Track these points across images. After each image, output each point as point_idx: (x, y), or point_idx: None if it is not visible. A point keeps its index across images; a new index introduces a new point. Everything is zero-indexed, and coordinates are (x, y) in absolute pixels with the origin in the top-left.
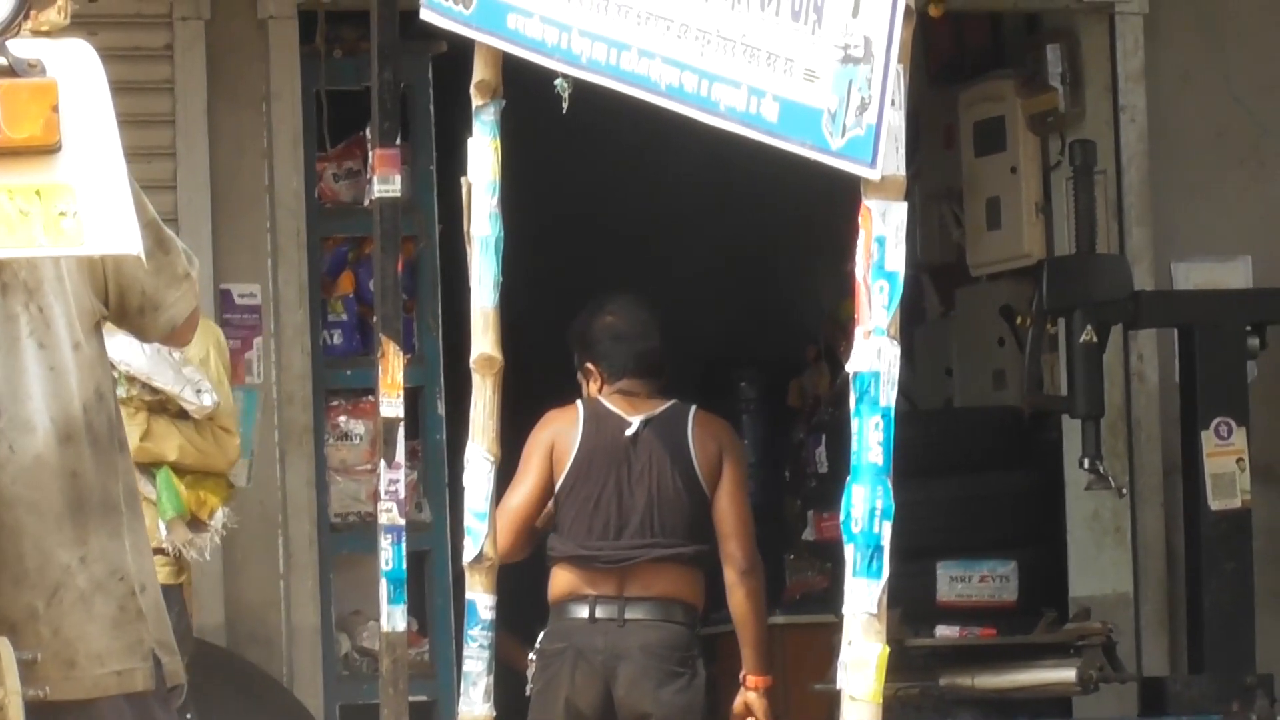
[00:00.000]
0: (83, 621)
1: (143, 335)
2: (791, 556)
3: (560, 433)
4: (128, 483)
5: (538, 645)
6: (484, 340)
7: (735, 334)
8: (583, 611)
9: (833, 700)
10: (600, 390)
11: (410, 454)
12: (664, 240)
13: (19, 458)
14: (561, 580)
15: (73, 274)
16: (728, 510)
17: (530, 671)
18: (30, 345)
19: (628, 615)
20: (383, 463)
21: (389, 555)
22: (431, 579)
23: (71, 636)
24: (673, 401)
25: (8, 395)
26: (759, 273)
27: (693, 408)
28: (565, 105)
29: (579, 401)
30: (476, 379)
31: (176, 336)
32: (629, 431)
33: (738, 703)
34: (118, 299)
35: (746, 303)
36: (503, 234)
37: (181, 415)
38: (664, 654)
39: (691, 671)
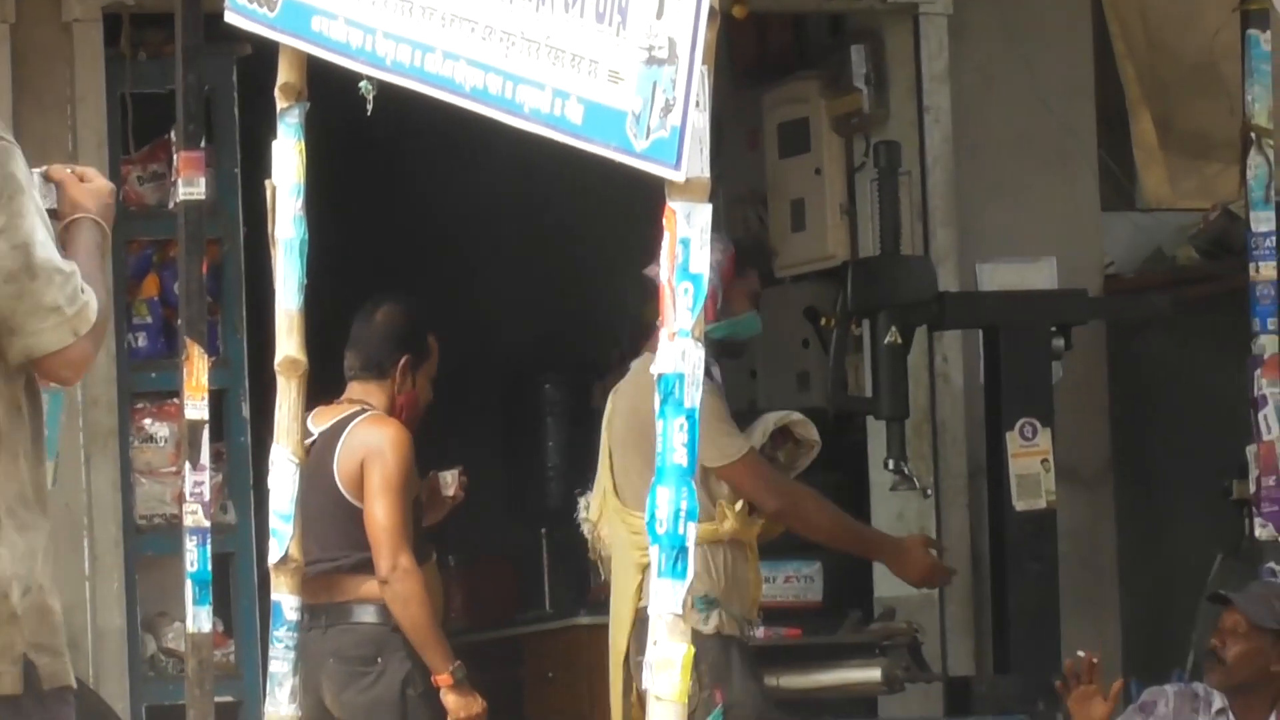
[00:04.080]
0: None
1: (2, 357)
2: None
3: None
4: (18, 488)
5: None
6: (288, 343)
7: (541, 337)
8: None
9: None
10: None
11: (215, 456)
12: (470, 244)
13: None
14: None
15: None
16: (369, 521)
17: None
18: None
19: (325, 622)
20: (188, 465)
21: (194, 557)
22: (237, 580)
23: None
24: (353, 410)
25: None
26: (564, 276)
27: (360, 417)
28: (370, 108)
29: None
30: (281, 381)
31: (42, 369)
32: (308, 443)
33: None
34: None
35: (552, 306)
36: (307, 236)
37: None
38: (349, 656)
39: (378, 669)
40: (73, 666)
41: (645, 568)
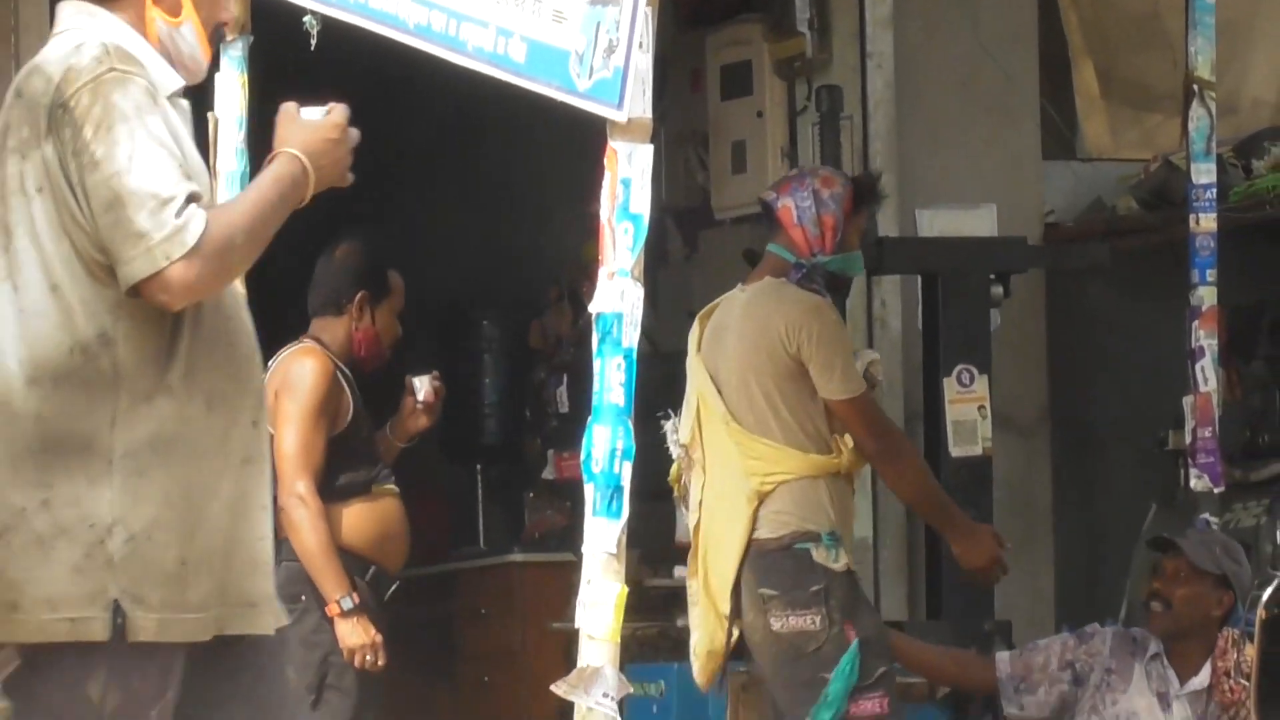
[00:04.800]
0: (35, 565)
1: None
2: (531, 495)
3: None
4: (151, 430)
5: None
6: None
7: (478, 274)
8: None
9: (571, 638)
10: None
11: None
12: (408, 180)
13: None
14: None
15: (50, 218)
16: (274, 448)
17: None
18: (5, 289)
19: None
20: None
21: None
22: None
23: (18, 579)
24: (294, 346)
25: None
26: (502, 213)
27: (287, 351)
28: (313, 42)
29: None
30: None
31: (144, 296)
32: None
33: None
34: (105, 249)
35: (489, 243)
36: (249, 169)
37: None
38: (282, 595)
39: (302, 606)
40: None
41: (765, 495)
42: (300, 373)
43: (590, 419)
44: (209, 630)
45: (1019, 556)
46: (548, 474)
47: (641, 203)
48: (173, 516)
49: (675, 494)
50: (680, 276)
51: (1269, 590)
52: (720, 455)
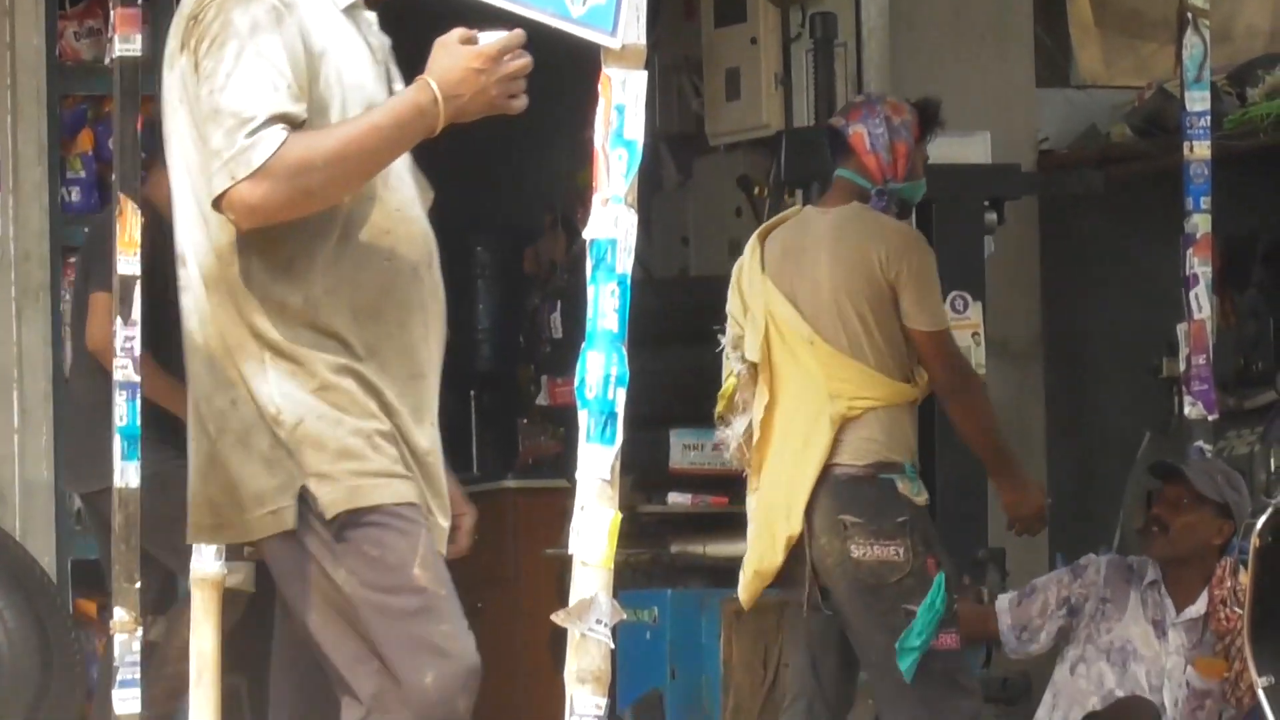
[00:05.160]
0: (242, 463)
1: None
2: (524, 421)
3: None
4: (288, 334)
5: None
6: None
7: (471, 200)
8: None
9: (564, 565)
10: None
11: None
12: None
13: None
14: None
15: (188, 129)
16: None
17: None
18: (180, 195)
19: None
20: (119, 320)
21: (123, 412)
22: None
23: (234, 479)
24: None
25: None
26: (496, 140)
27: None
28: None
29: None
30: None
31: (226, 211)
32: None
33: None
34: None
35: (483, 169)
36: None
37: None
38: None
39: None
40: (0, 519)
41: (849, 420)
42: None
43: (584, 345)
44: (410, 493)
45: None
46: (541, 400)
47: (635, 129)
48: (328, 409)
49: (719, 411)
50: (674, 203)
51: (1263, 518)
52: (797, 376)
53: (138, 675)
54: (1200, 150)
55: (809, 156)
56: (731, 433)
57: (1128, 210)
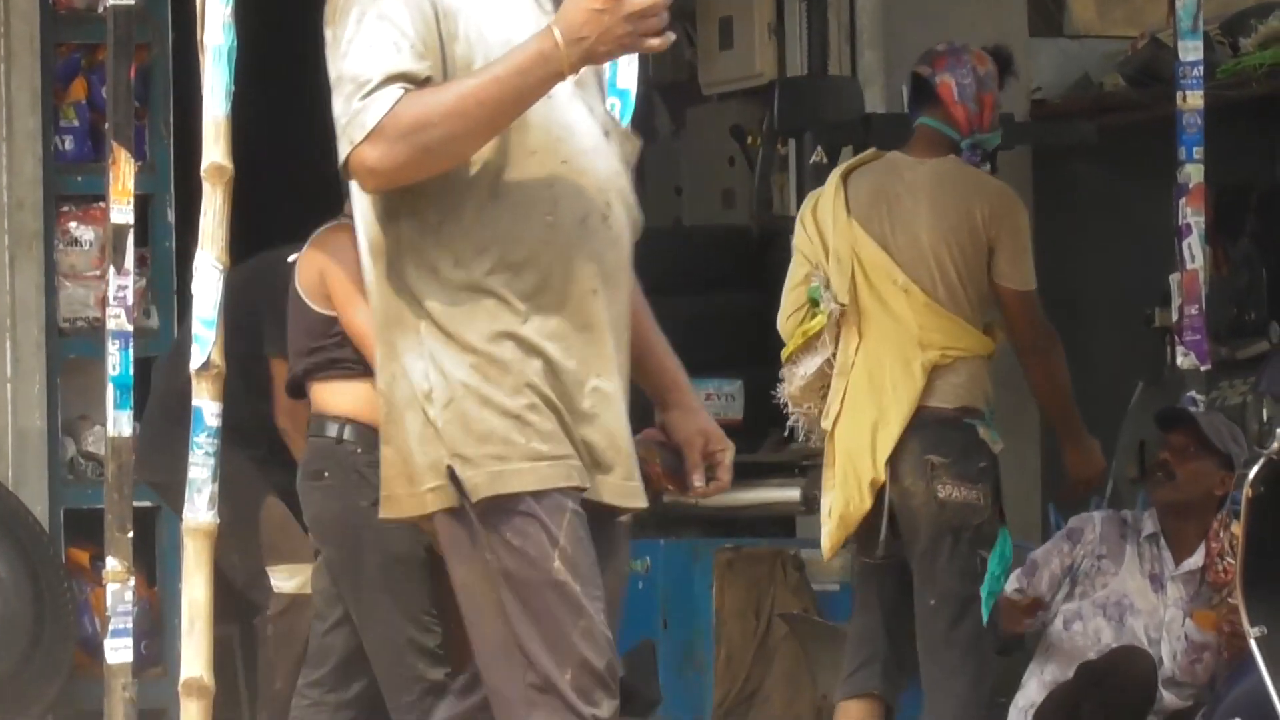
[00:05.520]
0: (408, 438)
1: None
2: None
3: None
4: (439, 301)
5: None
6: (215, 149)
7: None
8: None
9: None
10: None
11: (139, 261)
12: None
13: None
14: None
15: None
16: (350, 331)
17: None
18: None
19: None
20: (112, 269)
21: (116, 360)
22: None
23: (403, 454)
24: (329, 225)
25: None
26: None
27: (322, 230)
28: None
29: None
30: (207, 187)
31: (352, 177)
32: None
33: None
34: None
35: None
36: (236, 43)
37: None
38: (304, 472)
39: (325, 483)
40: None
41: (940, 368)
42: (344, 247)
43: None
44: (557, 477)
45: (1005, 433)
46: None
47: (628, 78)
48: (479, 383)
49: (789, 351)
50: (667, 152)
51: (1254, 468)
52: (883, 321)
53: (130, 625)
54: (1193, 100)
55: (802, 105)
56: (800, 372)
57: (1120, 160)
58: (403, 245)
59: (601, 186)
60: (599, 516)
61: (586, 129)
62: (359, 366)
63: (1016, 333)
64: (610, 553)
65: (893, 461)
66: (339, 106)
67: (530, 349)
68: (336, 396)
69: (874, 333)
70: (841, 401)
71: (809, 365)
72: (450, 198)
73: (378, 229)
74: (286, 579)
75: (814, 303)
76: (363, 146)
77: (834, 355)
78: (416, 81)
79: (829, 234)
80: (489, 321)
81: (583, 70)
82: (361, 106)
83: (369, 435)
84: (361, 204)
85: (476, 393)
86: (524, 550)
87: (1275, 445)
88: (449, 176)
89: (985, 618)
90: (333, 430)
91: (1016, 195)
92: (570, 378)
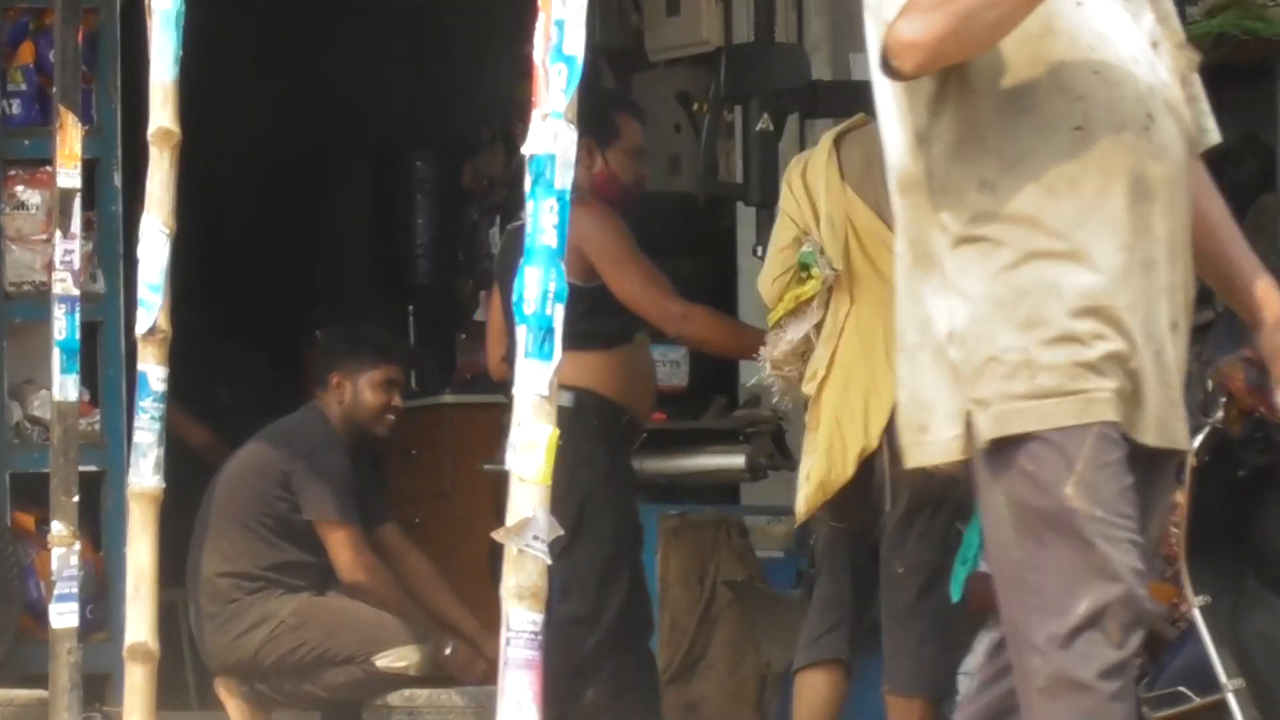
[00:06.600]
0: (933, 384)
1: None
2: (463, 336)
3: None
4: (965, 232)
5: None
6: (162, 114)
7: (411, 114)
8: None
9: (501, 480)
10: None
11: (86, 225)
12: (342, 19)
13: None
14: None
15: None
16: (626, 298)
17: None
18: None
19: None
20: (58, 233)
21: (62, 325)
22: (104, 350)
23: (928, 399)
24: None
25: None
26: (436, 53)
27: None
28: None
29: None
30: (154, 152)
31: (892, 63)
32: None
33: None
34: None
35: (422, 83)
36: (184, 8)
37: None
38: None
39: None
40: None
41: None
42: (592, 222)
43: (522, 260)
44: (1067, 415)
45: None
46: (479, 315)
47: (575, 44)
48: (991, 314)
49: (776, 316)
50: None
51: (1199, 438)
52: (877, 287)
53: (75, 589)
54: None
55: (749, 73)
56: (787, 337)
57: None
58: (932, 173)
59: (1141, 97)
60: (1147, 454)
61: (1124, 37)
62: (598, 340)
63: None
64: (1155, 494)
65: (887, 430)
66: None
67: (1059, 275)
68: (572, 366)
69: (867, 298)
70: (829, 366)
71: (796, 330)
72: (968, 118)
73: (908, 159)
74: (396, 660)
75: (804, 267)
76: (898, 22)
77: (822, 320)
78: None
79: (820, 199)
80: (1010, 252)
81: None
82: None
83: (601, 404)
84: (894, 135)
85: (988, 325)
86: (1035, 475)
87: (1219, 414)
88: (973, 91)
89: (958, 590)
90: (566, 399)
91: None
92: (1107, 302)
